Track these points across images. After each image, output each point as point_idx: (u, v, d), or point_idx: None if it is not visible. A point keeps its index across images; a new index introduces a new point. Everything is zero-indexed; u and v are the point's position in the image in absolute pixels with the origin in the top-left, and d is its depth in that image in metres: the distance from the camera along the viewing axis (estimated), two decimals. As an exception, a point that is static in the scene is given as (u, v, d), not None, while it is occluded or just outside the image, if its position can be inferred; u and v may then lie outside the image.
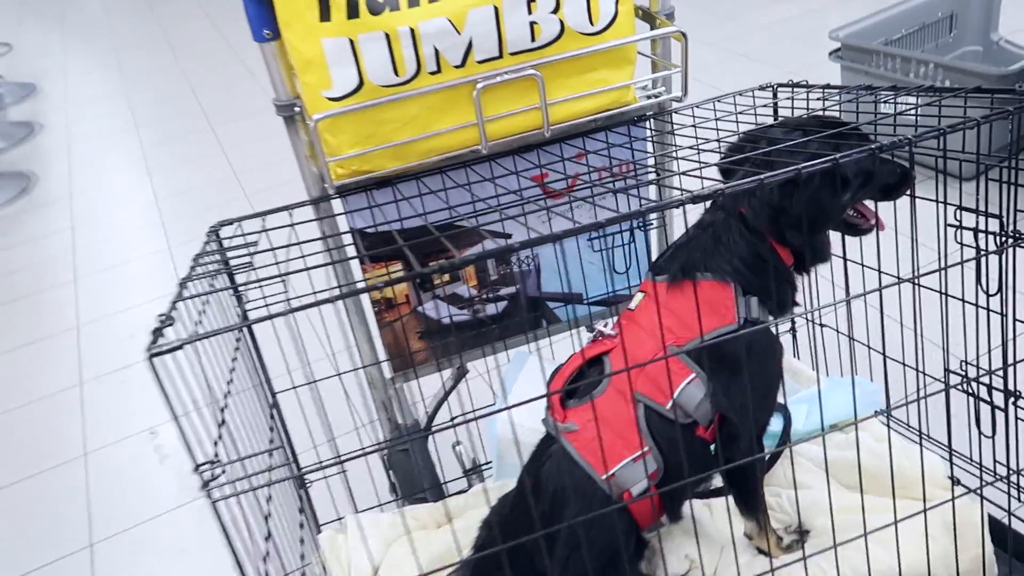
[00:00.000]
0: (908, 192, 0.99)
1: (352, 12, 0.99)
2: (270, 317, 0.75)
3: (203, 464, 0.68)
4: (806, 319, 1.47)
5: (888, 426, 1.31)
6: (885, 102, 1.17)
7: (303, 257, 1.00)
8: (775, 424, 1.28)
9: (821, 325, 1.38)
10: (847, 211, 1.07)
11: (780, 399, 1.21)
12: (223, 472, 0.69)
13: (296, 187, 1.23)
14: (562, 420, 1.05)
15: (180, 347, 0.64)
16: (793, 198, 0.98)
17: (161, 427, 2.08)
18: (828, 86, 1.27)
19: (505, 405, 1.27)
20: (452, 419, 1.38)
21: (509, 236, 1.38)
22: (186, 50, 5.06)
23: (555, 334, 1.52)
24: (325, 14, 1.00)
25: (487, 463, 1.56)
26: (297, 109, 1.13)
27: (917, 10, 2.76)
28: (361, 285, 1.28)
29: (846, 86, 1.24)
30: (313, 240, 1.12)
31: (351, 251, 1.25)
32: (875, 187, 1.05)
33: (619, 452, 0.99)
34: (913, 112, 1.01)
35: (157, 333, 0.65)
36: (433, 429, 1.50)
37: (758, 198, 1.01)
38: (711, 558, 1.19)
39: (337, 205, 1.25)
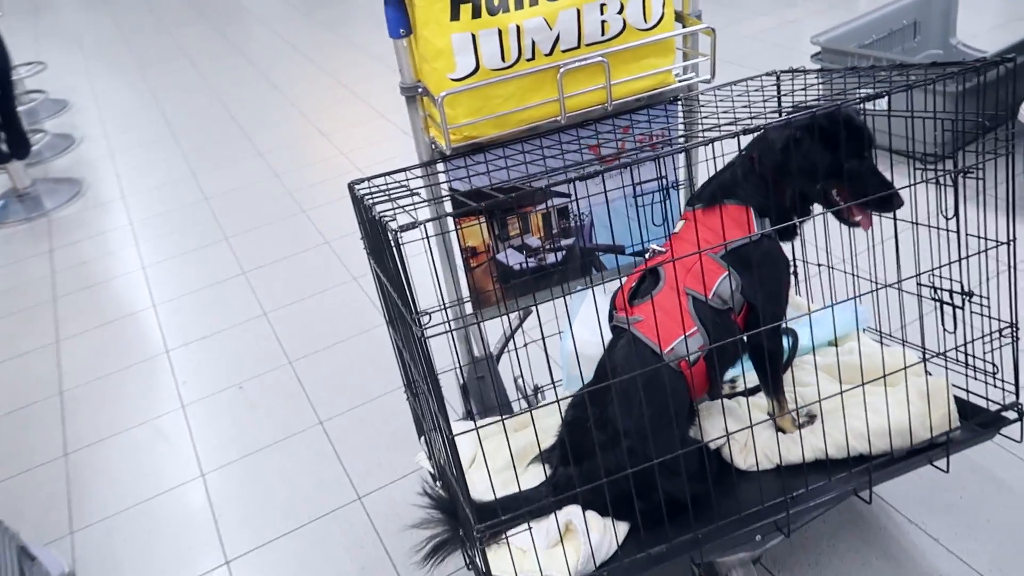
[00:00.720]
0: (896, 204, 1.32)
1: (476, 14, 1.34)
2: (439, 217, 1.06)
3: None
4: (804, 261, 1.83)
5: (881, 337, 1.67)
6: (863, 74, 1.52)
7: (416, 206, 1.32)
8: (784, 341, 1.63)
9: (819, 265, 1.74)
10: (833, 185, 1.38)
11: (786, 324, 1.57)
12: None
13: (337, 184, 1.54)
14: (629, 315, 1.39)
15: (415, 225, 0.97)
16: (790, 152, 1.33)
17: (248, 381, 2.40)
18: (821, 70, 1.63)
19: (576, 323, 1.62)
20: (525, 343, 1.72)
21: (569, 195, 1.72)
22: (208, 66, 5.38)
23: (605, 281, 1.87)
24: (455, 15, 1.34)
25: (548, 384, 1.89)
26: (420, 89, 1.47)
27: (885, 18, 3.16)
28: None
29: (837, 68, 1.60)
30: (433, 188, 1.45)
31: (451, 206, 1.59)
32: (852, 154, 1.33)
33: (675, 331, 1.33)
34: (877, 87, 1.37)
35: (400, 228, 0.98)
36: (508, 351, 1.83)
37: (765, 148, 1.37)
38: (742, 433, 1.53)
39: (441, 169, 1.59)
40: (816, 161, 1.33)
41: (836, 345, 1.67)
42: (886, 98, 1.25)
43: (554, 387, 1.84)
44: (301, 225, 3.26)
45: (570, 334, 1.79)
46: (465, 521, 1.29)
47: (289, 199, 3.48)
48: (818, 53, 3.00)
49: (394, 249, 1.03)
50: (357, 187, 1.47)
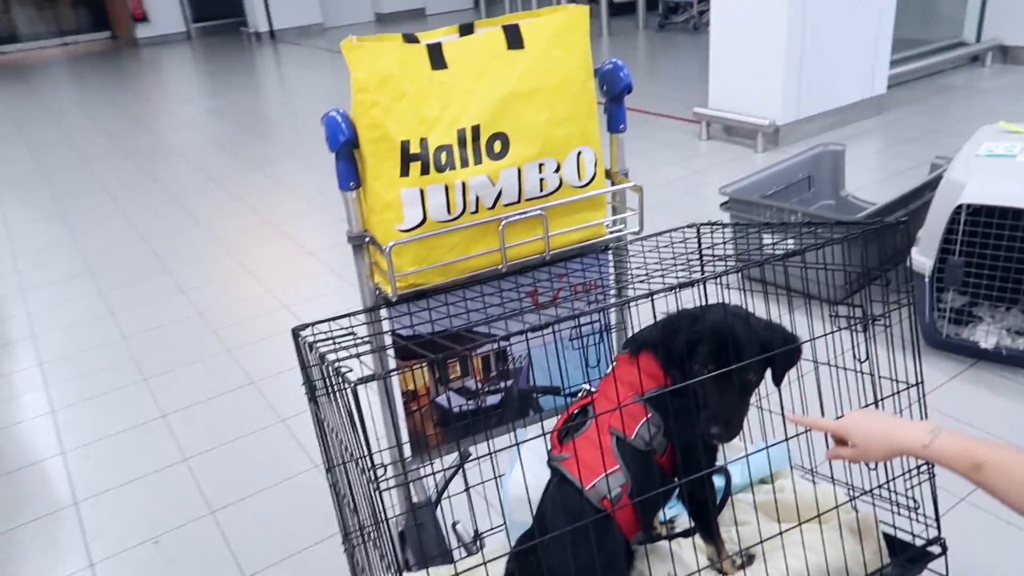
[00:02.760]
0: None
1: (424, 171, 1.42)
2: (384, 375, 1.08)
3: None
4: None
5: (813, 475, 1.74)
6: (774, 232, 1.67)
7: (356, 348, 1.34)
8: (718, 480, 1.68)
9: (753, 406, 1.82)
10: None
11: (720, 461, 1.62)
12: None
13: (264, 322, 1.57)
14: (558, 452, 1.42)
15: (375, 378, 0.99)
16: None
17: (165, 535, 2.26)
18: (737, 223, 1.78)
19: (515, 464, 1.62)
20: (465, 488, 1.70)
21: (508, 338, 1.77)
22: (129, 201, 5.35)
23: (539, 421, 1.89)
24: (405, 172, 1.42)
25: (489, 530, 1.86)
26: (367, 239, 1.52)
27: (784, 172, 3.47)
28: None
29: (751, 222, 1.75)
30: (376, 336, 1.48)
31: (394, 350, 1.61)
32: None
33: (597, 469, 1.36)
34: (784, 240, 1.50)
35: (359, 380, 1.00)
36: (444, 499, 1.80)
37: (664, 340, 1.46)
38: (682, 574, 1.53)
39: (384, 315, 1.62)
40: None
41: (772, 482, 1.72)
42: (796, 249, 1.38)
43: (506, 530, 1.81)
44: (225, 365, 3.19)
45: (510, 477, 1.80)
46: None
47: (213, 338, 3.41)
48: (727, 202, 3.24)
49: (351, 400, 1.04)
50: (302, 333, 1.48)
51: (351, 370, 1.07)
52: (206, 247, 4.46)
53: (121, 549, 2.24)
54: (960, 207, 2.44)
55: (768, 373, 1.46)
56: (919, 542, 1.46)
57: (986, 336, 2.60)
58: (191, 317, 3.62)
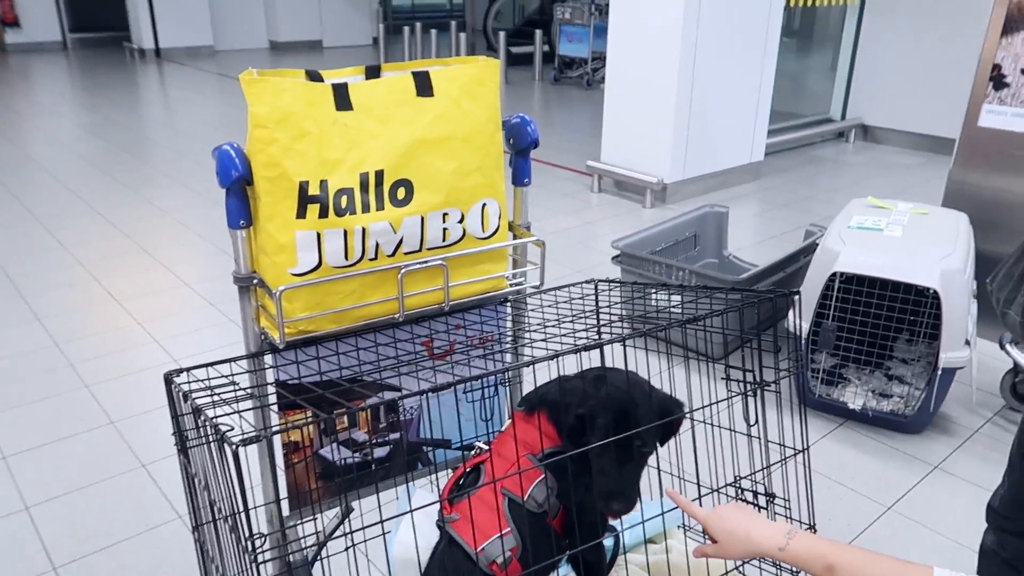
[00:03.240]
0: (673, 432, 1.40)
1: (323, 214, 1.35)
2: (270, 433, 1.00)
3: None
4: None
5: (686, 533, 1.75)
6: (671, 295, 1.70)
7: (237, 402, 1.25)
8: (608, 541, 1.67)
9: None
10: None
11: (615, 524, 1.61)
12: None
13: (130, 357, 1.46)
14: (447, 513, 1.37)
15: (259, 439, 0.90)
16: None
17: None
18: (635, 283, 1.80)
19: (402, 523, 1.55)
20: (352, 543, 1.60)
21: (399, 389, 1.71)
22: (-18, 218, 4.91)
23: (428, 475, 1.82)
24: (302, 213, 1.34)
25: (370, 592, 1.76)
26: (255, 281, 1.43)
27: (672, 230, 3.58)
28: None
29: (649, 281, 1.77)
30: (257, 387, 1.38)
31: (275, 397, 1.51)
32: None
33: (489, 531, 1.31)
34: (681, 303, 1.53)
35: (243, 441, 0.91)
36: (323, 557, 1.69)
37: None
38: (574, 642, 1.50)
39: (269, 361, 1.52)
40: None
41: (665, 541, 1.72)
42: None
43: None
44: (81, 402, 2.92)
45: (396, 537, 1.71)
46: None
47: (69, 371, 3.13)
48: (618, 255, 3.31)
49: (229, 463, 0.95)
50: (176, 379, 1.36)
51: (231, 428, 0.98)
52: (69, 272, 4.13)
53: (-57, 612, 1.98)
54: (835, 274, 2.58)
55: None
56: (801, 608, 1.48)
57: (854, 397, 2.75)
58: (46, 348, 3.32)
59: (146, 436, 2.71)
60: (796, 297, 1.43)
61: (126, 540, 2.22)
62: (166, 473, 2.51)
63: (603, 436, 1.30)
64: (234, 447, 0.92)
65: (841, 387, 2.85)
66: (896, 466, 2.55)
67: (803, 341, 2.61)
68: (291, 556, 1.68)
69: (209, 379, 1.35)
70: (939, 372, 2.52)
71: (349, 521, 1.76)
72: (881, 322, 2.62)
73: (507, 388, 1.84)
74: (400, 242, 1.45)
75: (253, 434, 0.94)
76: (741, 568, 1.55)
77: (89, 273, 4.10)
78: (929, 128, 6.69)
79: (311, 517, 1.66)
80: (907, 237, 2.66)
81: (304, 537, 1.71)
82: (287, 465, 1.63)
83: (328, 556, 1.70)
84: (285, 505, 1.65)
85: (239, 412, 1.05)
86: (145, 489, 2.44)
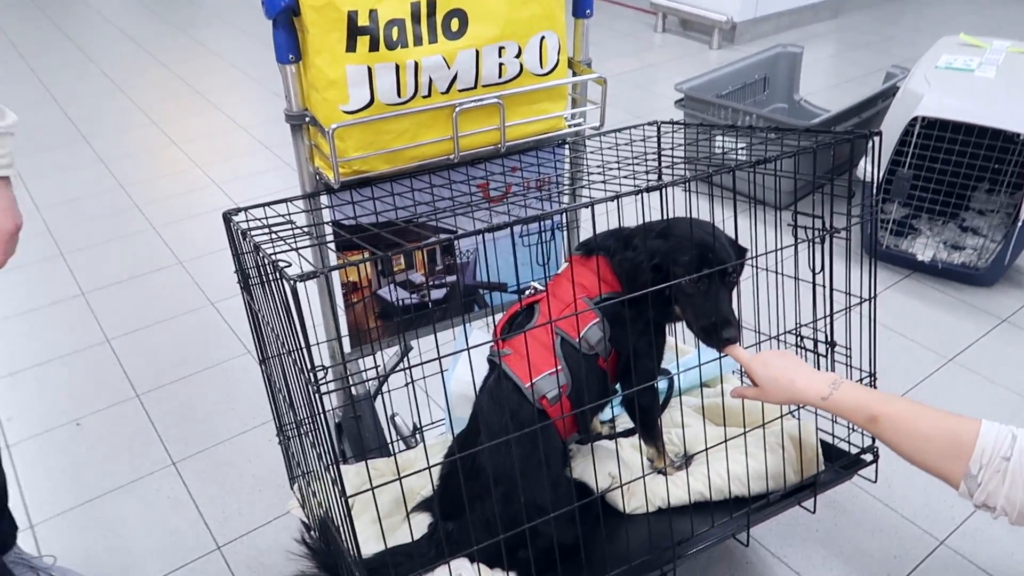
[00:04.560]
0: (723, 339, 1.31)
1: (373, 47, 1.29)
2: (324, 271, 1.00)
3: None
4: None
5: (742, 378, 1.75)
6: (738, 135, 1.61)
7: (295, 240, 1.24)
8: (663, 383, 1.68)
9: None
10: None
11: (670, 367, 1.61)
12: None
13: (192, 200, 1.44)
14: (499, 348, 1.39)
15: (316, 275, 0.91)
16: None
17: (86, 417, 2.17)
18: (700, 124, 1.71)
19: (459, 361, 1.58)
20: (411, 379, 1.66)
21: (455, 232, 1.69)
22: (39, 60, 4.91)
23: (484, 317, 1.85)
24: (351, 46, 1.28)
25: (429, 423, 1.84)
26: (307, 119, 1.39)
27: (740, 72, 3.37)
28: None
29: (713, 124, 1.67)
30: (311, 225, 1.38)
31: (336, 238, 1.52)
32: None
33: (539, 367, 1.32)
34: (749, 146, 1.45)
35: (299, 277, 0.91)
36: (384, 391, 1.76)
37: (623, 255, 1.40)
38: (625, 476, 1.55)
39: (324, 202, 1.51)
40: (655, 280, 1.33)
41: (721, 385, 1.73)
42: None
43: (450, 425, 1.79)
44: (150, 243, 3.02)
45: (454, 374, 1.76)
46: (349, 577, 1.22)
47: (136, 213, 3.22)
48: (681, 99, 3.15)
49: (289, 298, 0.96)
50: (235, 218, 1.37)
51: (289, 264, 0.98)
52: (128, 115, 4.16)
53: (40, 430, 2.15)
54: (915, 119, 2.42)
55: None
56: (853, 450, 1.49)
57: (924, 249, 2.65)
58: (112, 190, 3.40)
59: (212, 276, 2.80)
60: (876, 139, 1.33)
61: (200, 372, 2.35)
62: (233, 311, 2.61)
63: (686, 273, 1.27)
64: (292, 283, 0.93)
65: (911, 238, 2.74)
66: (961, 318, 2.48)
67: (875, 189, 2.49)
68: (353, 389, 1.75)
69: (267, 218, 1.35)
70: (1020, 224, 2.39)
71: (408, 359, 1.82)
72: (962, 170, 2.47)
73: (564, 232, 1.81)
74: (454, 78, 1.38)
75: (310, 271, 0.94)
76: (796, 412, 1.55)
77: (148, 117, 4.12)
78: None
79: (371, 354, 1.71)
80: (1001, 78, 2.45)
81: (365, 370, 1.77)
82: (347, 305, 1.66)
83: (389, 391, 1.77)
84: (347, 343, 1.70)
85: (296, 249, 1.05)
86: (215, 325, 2.55)
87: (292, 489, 1.57)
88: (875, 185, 1.43)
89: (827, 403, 1.25)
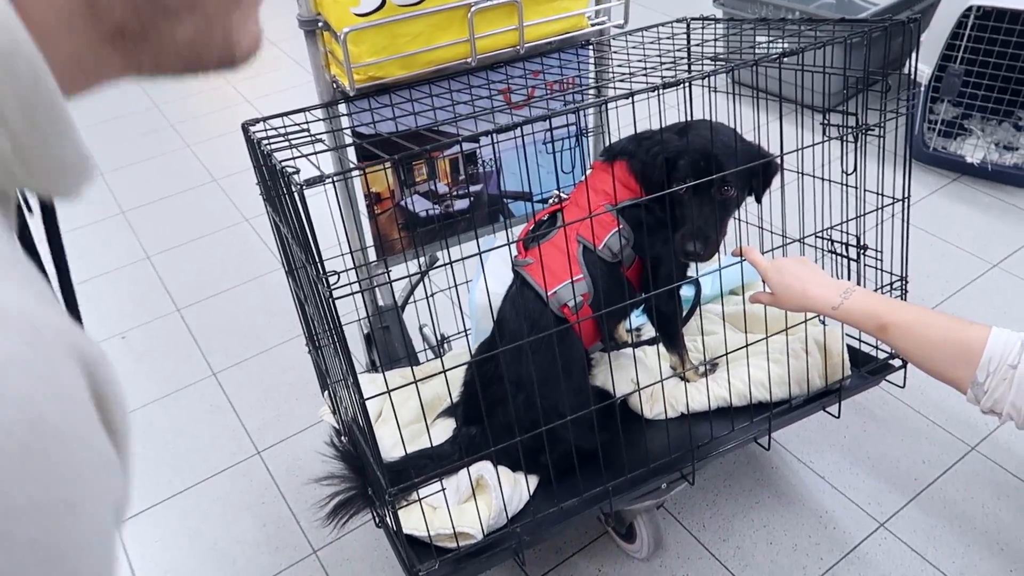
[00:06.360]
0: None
1: (382, -57, 1.24)
2: (338, 176, 0.99)
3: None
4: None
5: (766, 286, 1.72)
6: (773, 29, 1.53)
7: (319, 144, 1.23)
8: (688, 291, 1.66)
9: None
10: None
11: (692, 273, 1.58)
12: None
13: (224, 117, 1.42)
14: (521, 257, 1.38)
15: (322, 180, 0.90)
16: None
17: (131, 331, 2.25)
18: (731, 19, 1.62)
19: (483, 272, 1.58)
20: (431, 294, 1.67)
21: (477, 140, 1.66)
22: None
23: (512, 227, 1.83)
24: (359, -57, 1.24)
25: (456, 334, 1.86)
26: (320, 24, 1.36)
27: (785, -35, 3.19)
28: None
29: (745, 17, 1.59)
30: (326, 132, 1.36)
31: (355, 146, 1.50)
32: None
33: (561, 276, 1.31)
34: (782, 38, 1.37)
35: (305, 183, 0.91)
36: (412, 302, 1.78)
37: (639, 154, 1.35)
38: (647, 382, 1.55)
39: (343, 110, 1.49)
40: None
41: (743, 293, 1.71)
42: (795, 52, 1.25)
43: (466, 335, 1.81)
44: (186, 161, 3.05)
45: (477, 284, 1.76)
46: (374, 480, 1.26)
47: (171, 132, 3.24)
48: (720, -3, 3.00)
49: (298, 204, 0.96)
50: (252, 128, 1.36)
51: (298, 171, 0.97)
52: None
53: (88, 344, 2.24)
54: (969, 9, 2.26)
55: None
56: (881, 355, 1.47)
57: (974, 150, 2.53)
58: (148, 110, 3.42)
59: (246, 192, 2.82)
60: (913, 26, 1.25)
61: (237, 287, 2.40)
62: (267, 226, 2.63)
63: (683, 179, 1.24)
64: (300, 187, 0.92)
65: (960, 140, 2.62)
66: (1010, 223, 2.38)
67: (924, 88, 2.37)
68: (380, 299, 1.77)
69: (285, 127, 1.34)
70: (1078, 121, 2.26)
71: (429, 278, 1.83)
72: (1018, 64, 2.33)
73: (589, 139, 1.77)
74: (469, -25, 1.33)
75: (317, 175, 0.94)
76: (822, 317, 1.52)
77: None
78: None
79: (404, 262, 1.71)
80: (1067, -39, 2.27)
81: (386, 278, 1.78)
82: (371, 216, 1.66)
83: (415, 301, 1.78)
84: (373, 254, 1.71)
85: (305, 156, 1.04)
86: (250, 241, 2.60)
87: (323, 396, 1.62)
88: (911, 78, 1.35)
89: (838, 312, 1.24)
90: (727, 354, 1.41)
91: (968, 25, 2.29)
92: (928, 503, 1.65)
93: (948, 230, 2.36)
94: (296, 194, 0.93)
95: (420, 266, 1.84)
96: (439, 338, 1.89)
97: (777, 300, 1.30)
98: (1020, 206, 2.45)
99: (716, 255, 1.60)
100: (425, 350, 1.87)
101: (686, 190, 1.27)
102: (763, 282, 1.37)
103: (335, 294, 0.98)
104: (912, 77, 1.34)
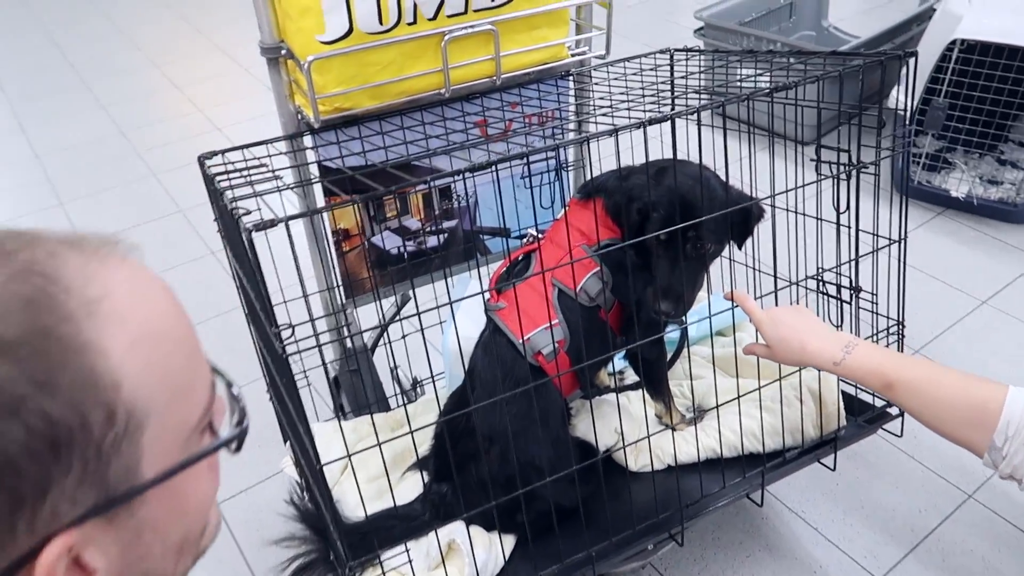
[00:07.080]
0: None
1: (349, -33, 1.16)
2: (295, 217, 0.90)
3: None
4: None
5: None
6: (759, 61, 1.47)
7: (277, 182, 1.14)
8: (674, 333, 1.58)
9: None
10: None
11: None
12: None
13: (194, 145, 1.35)
14: (495, 302, 1.29)
15: (274, 224, 0.81)
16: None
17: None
18: (716, 51, 1.56)
19: (453, 318, 1.49)
20: (404, 335, 1.57)
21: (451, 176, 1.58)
22: (38, 2, 4.78)
23: (488, 263, 1.74)
24: (324, -33, 1.16)
25: (427, 378, 1.76)
26: (283, 51, 1.28)
27: (765, -3, 3.17)
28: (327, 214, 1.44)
29: (729, 50, 1.53)
30: (287, 168, 1.27)
31: (319, 183, 1.41)
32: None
33: (537, 320, 1.22)
34: (769, 71, 1.31)
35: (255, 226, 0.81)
36: (383, 344, 1.68)
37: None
38: (631, 432, 1.46)
39: (308, 143, 1.41)
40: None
41: (733, 334, 1.63)
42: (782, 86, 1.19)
43: (434, 383, 1.71)
44: (151, 190, 2.94)
45: (449, 329, 1.67)
46: (334, 544, 1.16)
47: (136, 160, 3.13)
48: (701, 28, 2.97)
49: (248, 249, 0.86)
50: (208, 163, 1.27)
51: (248, 212, 0.88)
52: (128, 57, 4.04)
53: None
54: (954, 43, 2.23)
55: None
56: (878, 403, 1.39)
57: (958, 184, 2.49)
58: (112, 136, 3.31)
59: (213, 224, 2.72)
60: (911, 60, 1.19)
61: (199, 323, 2.27)
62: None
63: (659, 230, 1.16)
64: (248, 231, 0.83)
65: (944, 173, 2.58)
66: (997, 258, 2.34)
67: (908, 118, 2.33)
68: (348, 342, 1.67)
69: (246, 161, 1.25)
70: (1064, 156, 2.23)
71: (400, 318, 1.73)
72: (1002, 98, 2.29)
73: (569, 173, 1.69)
74: (442, 3, 1.26)
75: (270, 219, 0.84)
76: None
77: (148, 58, 3.99)
78: None
79: (368, 303, 1.62)
80: (1049, -5, 2.25)
81: (344, 333, 1.68)
82: (339, 253, 1.57)
83: (389, 342, 1.68)
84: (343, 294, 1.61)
85: (258, 195, 0.95)
86: (215, 275, 2.48)
87: (286, 446, 1.51)
88: (908, 114, 1.29)
89: (839, 368, 1.16)
90: (717, 407, 1.32)
91: (952, 59, 2.26)
92: (926, 555, 1.57)
93: (935, 266, 2.31)
94: (246, 239, 0.84)
95: (393, 304, 1.75)
96: (412, 382, 1.79)
97: (773, 353, 1.22)
98: (1006, 241, 2.41)
99: (705, 298, 1.52)
100: (396, 395, 1.77)
101: (658, 243, 1.19)
102: (756, 331, 1.29)
103: (289, 350, 0.88)
104: (908, 113, 1.28)
